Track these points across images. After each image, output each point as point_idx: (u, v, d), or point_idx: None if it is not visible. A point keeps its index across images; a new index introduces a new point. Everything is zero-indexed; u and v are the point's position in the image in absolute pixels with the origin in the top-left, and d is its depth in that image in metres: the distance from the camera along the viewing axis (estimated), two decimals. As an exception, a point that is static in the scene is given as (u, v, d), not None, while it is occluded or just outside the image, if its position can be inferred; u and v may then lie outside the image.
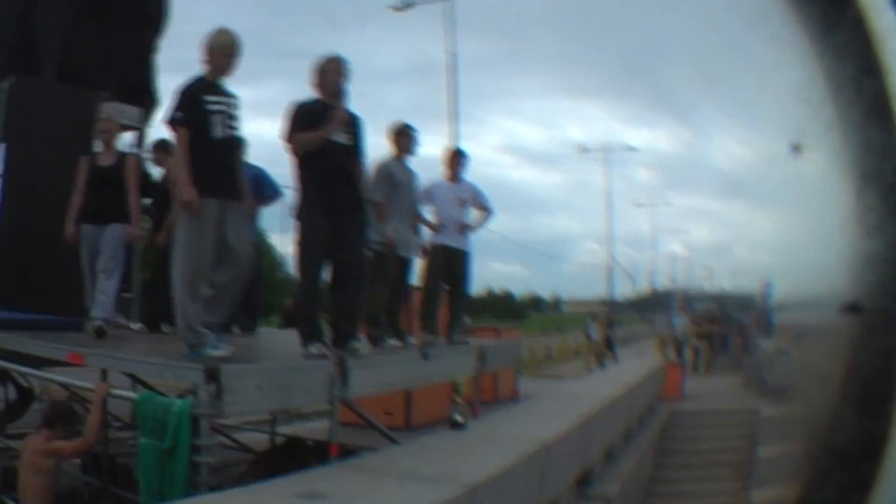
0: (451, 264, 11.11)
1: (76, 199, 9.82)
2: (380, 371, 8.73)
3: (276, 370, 7.23)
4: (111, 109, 13.30)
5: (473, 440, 8.73)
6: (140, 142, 13.79)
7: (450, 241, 11.01)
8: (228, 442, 11.99)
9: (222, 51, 7.60)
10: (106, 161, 9.94)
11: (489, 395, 14.70)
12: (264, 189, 11.06)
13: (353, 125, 8.54)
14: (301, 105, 8.39)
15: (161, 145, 11.58)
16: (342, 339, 8.41)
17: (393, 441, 8.76)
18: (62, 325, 9.69)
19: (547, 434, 8.99)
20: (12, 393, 11.25)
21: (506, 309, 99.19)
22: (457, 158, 11.29)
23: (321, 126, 8.20)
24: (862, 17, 1.69)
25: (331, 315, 8.61)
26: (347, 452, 8.55)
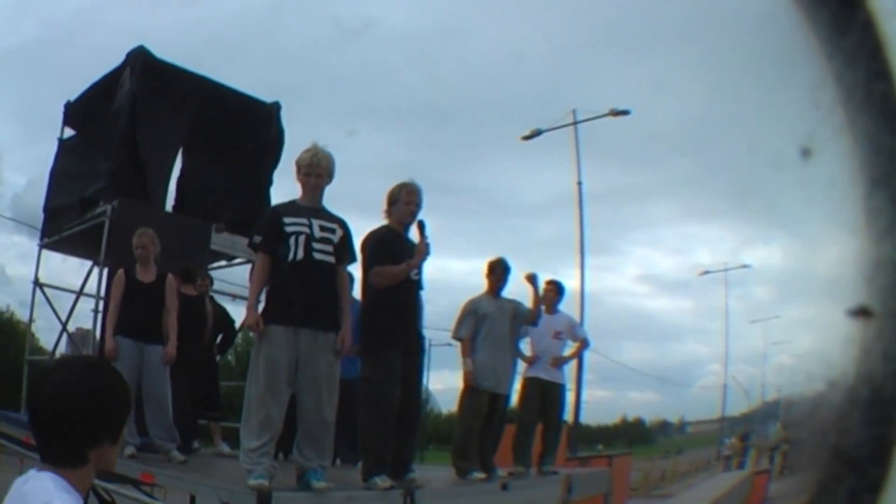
0: (545, 397, 11.20)
1: (112, 314, 9.70)
2: (453, 502, 8.91)
3: (333, 500, 7.23)
4: (224, 240, 13.79)
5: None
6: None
7: (543, 373, 11.16)
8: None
9: (301, 169, 7.60)
10: (145, 277, 9.81)
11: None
12: None
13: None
14: (379, 235, 8.37)
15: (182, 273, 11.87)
16: (400, 469, 8.37)
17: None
18: (146, 446, 9.75)
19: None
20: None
21: (636, 435, 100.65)
22: (549, 288, 11.41)
23: (400, 259, 8.21)
24: (872, 21, 1.71)
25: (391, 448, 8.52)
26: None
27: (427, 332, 9.30)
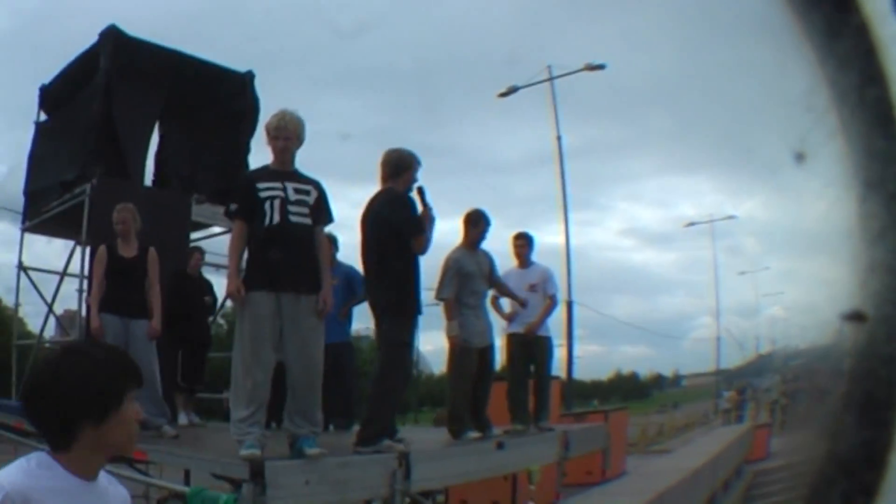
0: (530, 351, 11.17)
1: (96, 291, 9.75)
2: (447, 463, 8.87)
3: (327, 466, 7.26)
4: (205, 211, 13.89)
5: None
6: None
7: (522, 328, 11.08)
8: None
9: (270, 133, 7.58)
10: (126, 252, 9.86)
11: (598, 476, 14.68)
12: (356, 288, 11.10)
13: None
14: (409, 201, 8.47)
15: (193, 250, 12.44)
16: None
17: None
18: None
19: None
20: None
21: (631, 390, 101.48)
22: (518, 243, 11.36)
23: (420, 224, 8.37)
24: (866, 26, 1.70)
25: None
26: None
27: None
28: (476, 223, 10.19)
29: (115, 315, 9.61)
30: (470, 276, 9.91)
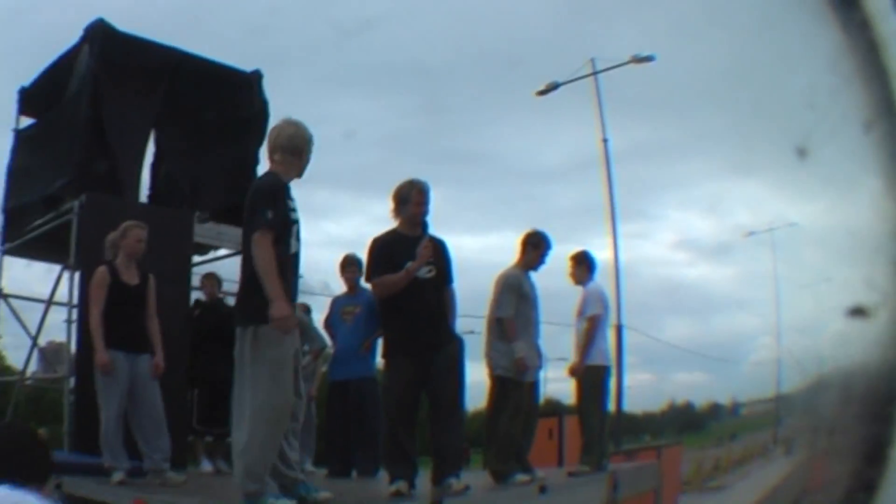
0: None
1: (98, 320, 9.77)
2: None
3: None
4: (209, 231, 14.02)
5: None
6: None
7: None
8: None
9: (297, 146, 7.64)
10: (130, 279, 9.99)
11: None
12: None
13: (437, 255, 8.90)
14: (379, 243, 8.88)
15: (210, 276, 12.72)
16: (439, 476, 8.64)
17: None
18: (136, 471, 10.04)
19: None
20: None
21: (686, 421, 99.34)
22: (570, 263, 11.73)
23: (404, 263, 8.61)
24: (867, 22, 1.95)
25: (432, 452, 8.88)
26: None
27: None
28: (536, 245, 10.56)
29: (120, 351, 9.73)
30: (525, 299, 10.24)
